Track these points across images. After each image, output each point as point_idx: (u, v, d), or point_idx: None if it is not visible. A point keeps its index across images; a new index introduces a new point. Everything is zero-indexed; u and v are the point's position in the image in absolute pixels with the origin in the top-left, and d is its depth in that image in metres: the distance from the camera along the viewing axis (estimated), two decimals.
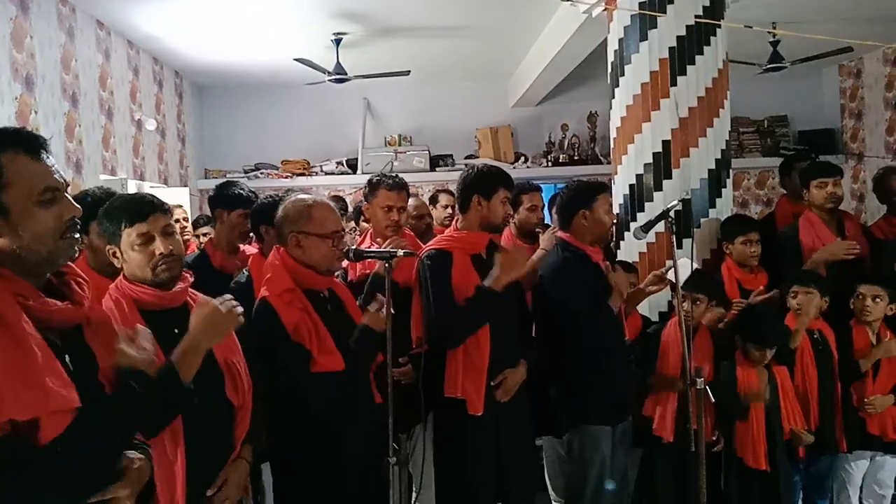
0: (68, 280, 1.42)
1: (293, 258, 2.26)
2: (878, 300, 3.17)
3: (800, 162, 4.00)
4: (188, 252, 3.08)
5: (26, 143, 1.33)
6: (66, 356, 1.35)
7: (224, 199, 3.09)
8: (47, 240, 1.32)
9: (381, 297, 2.27)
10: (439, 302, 2.68)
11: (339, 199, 4.61)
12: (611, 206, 3.13)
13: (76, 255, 1.40)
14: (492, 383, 2.71)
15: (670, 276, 3.02)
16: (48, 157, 1.35)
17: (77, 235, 1.39)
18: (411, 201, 3.75)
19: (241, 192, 3.09)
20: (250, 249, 3.07)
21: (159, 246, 1.85)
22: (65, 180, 1.38)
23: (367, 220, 3.38)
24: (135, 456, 1.40)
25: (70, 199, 1.37)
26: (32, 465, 1.22)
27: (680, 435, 2.94)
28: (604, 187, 3.14)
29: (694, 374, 2.65)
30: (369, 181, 3.08)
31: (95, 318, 1.46)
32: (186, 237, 4.47)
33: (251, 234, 3.06)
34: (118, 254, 1.89)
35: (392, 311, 2.23)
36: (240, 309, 1.78)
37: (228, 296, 1.80)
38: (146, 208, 1.89)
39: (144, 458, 1.43)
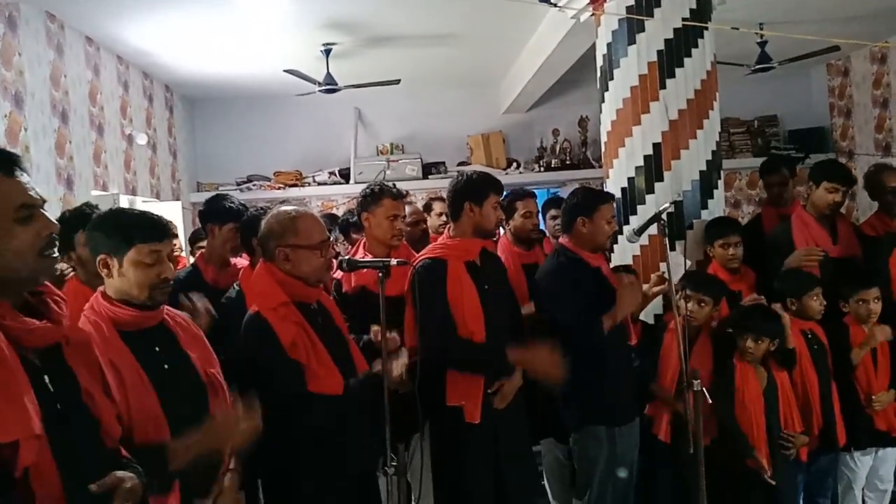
0: (46, 299, 1.38)
1: (282, 271, 2.21)
2: (877, 301, 3.22)
3: (788, 164, 4.04)
4: (179, 267, 3.06)
5: None
6: (46, 377, 1.32)
7: (214, 213, 3.06)
8: (28, 257, 1.29)
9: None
10: (434, 311, 2.67)
11: (333, 218, 4.55)
12: (613, 216, 3.09)
13: (57, 272, 1.38)
14: (489, 391, 2.71)
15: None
16: (22, 175, 1.32)
17: (56, 253, 1.36)
18: (407, 208, 3.75)
19: (232, 205, 3.06)
20: (241, 262, 3.05)
21: (167, 270, 1.83)
22: (41, 197, 1.35)
23: (355, 234, 3.35)
24: (126, 475, 1.36)
25: (47, 215, 1.35)
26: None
27: (679, 438, 2.94)
28: (608, 197, 3.18)
29: (690, 376, 2.65)
30: (371, 191, 3.01)
31: (75, 337, 1.43)
32: (176, 253, 4.44)
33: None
34: (113, 266, 1.80)
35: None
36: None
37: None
38: (163, 230, 1.85)
39: (135, 478, 1.39)
